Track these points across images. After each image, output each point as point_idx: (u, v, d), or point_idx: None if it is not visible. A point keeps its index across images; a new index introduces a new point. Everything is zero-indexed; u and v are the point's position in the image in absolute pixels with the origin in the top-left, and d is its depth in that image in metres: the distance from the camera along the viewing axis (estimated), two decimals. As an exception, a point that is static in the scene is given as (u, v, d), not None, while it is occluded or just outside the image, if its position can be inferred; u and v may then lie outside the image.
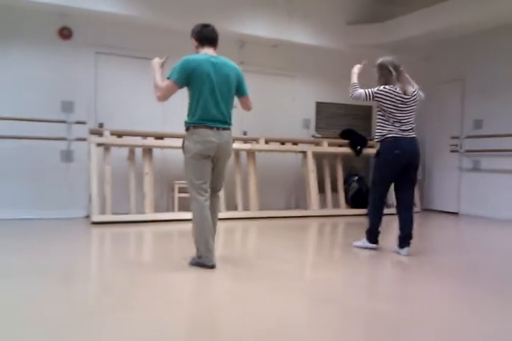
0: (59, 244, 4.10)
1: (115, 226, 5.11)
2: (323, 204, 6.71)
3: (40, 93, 5.68)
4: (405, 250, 3.84)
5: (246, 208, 6.24)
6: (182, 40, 5.72)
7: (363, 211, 6.60)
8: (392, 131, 3.81)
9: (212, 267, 3.21)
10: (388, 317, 2.33)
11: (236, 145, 6.19)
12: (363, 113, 7.91)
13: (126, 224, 5.30)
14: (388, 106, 3.82)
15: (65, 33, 5.80)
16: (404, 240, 3.85)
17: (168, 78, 3.16)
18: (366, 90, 3.90)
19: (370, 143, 6.98)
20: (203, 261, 3.23)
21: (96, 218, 5.23)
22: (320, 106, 7.54)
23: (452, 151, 7.27)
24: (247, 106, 3.53)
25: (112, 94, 6.09)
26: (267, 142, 6.44)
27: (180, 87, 3.18)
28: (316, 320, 2.27)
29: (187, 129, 3.24)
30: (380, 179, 3.97)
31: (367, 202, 7.07)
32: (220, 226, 5.34)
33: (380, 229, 4.05)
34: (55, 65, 5.76)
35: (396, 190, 4.02)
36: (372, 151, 6.82)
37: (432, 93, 7.72)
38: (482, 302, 2.61)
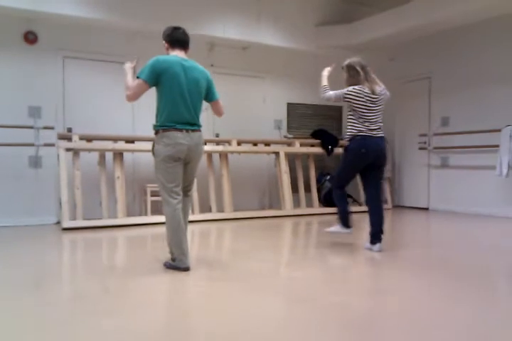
0: (28, 251, 4.01)
1: (87, 232, 5.03)
2: (296, 203, 6.76)
3: (7, 98, 5.56)
4: (377, 246, 3.90)
5: (220, 209, 6.24)
6: (151, 43, 5.70)
7: (336, 209, 6.73)
8: (361, 130, 3.89)
9: (186, 269, 3.19)
10: (363, 312, 2.36)
11: (208, 147, 6.20)
12: (334, 113, 8.00)
13: (99, 229, 5.22)
14: (358, 106, 3.88)
15: (30, 38, 5.69)
16: (376, 236, 3.92)
17: (137, 77, 3.11)
18: (336, 92, 3.98)
19: (341, 142, 7.07)
20: (176, 264, 3.21)
21: (66, 224, 5.14)
22: (291, 107, 7.60)
23: (421, 149, 7.43)
24: (218, 111, 3.52)
25: (81, 98, 6.00)
26: (239, 143, 6.45)
27: (150, 86, 3.14)
28: (292, 318, 2.29)
29: (156, 133, 3.21)
30: (343, 173, 4.11)
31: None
32: (195, 228, 5.35)
33: (349, 212, 4.13)
34: (22, 69, 5.65)
35: (364, 187, 4.17)
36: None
37: (399, 92, 7.88)
38: (455, 296, 2.67)
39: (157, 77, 3.10)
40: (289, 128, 7.58)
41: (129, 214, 5.80)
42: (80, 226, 5.21)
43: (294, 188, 6.77)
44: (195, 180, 5.94)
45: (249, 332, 2.07)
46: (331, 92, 4.00)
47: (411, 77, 7.64)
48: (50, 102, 5.79)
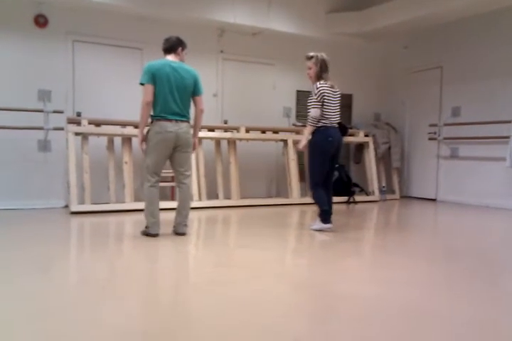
0: (37, 234, 4.05)
1: (95, 216, 5.07)
2: (304, 192, 6.75)
3: (17, 82, 5.57)
4: (329, 225, 4.25)
5: (227, 197, 6.25)
6: (160, 27, 5.68)
7: (344, 199, 6.73)
8: (324, 122, 4.21)
9: (156, 235, 3.85)
10: (368, 301, 2.37)
11: (216, 134, 6.19)
12: (344, 101, 7.84)
13: (106, 213, 5.26)
14: (326, 100, 4.19)
15: (41, 21, 5.67)
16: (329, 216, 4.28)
17: (142, 84, 3.75)
18: (313, 100, 4.16)
19: (350, 131, 7.03)
20: (148, 230, 3.89)
21: (75, 208, 5.18)
22: (300, 95, 7.54)
23: (430, 139, 7.36)
24: (199, 106, 3.95)
25: (90, 82, 6.00)
26: (247, 131, 6.42)
27: (153, 85, 3.74)
28: (292, 305, 2.30)
29: (151, 122, 3.81)
30: (318, 166, 4.27)
31: (347, 190, 7.14)
32: (202, 214, 5.37)
33: (330, 213, 4.34)
34: (32, 53, 5.65)
35: None
36: (353, 140, 6.95)
37: (410, 81, 7.80)
38: (459, 286, 2.68)
39: (153, 77, 3.72)
40: (298, 116, 7.54)
41: (137, 199, 5.82)
42: (88, 210, 5.25)
43: (302, 176, 6.75)
44: (203, 166, 5.99)
45: (250, 317, 2.08)
46: (313, 109, 4.16)
47: (422, 67, 7.54)
48: (59, 86, 5.79)
